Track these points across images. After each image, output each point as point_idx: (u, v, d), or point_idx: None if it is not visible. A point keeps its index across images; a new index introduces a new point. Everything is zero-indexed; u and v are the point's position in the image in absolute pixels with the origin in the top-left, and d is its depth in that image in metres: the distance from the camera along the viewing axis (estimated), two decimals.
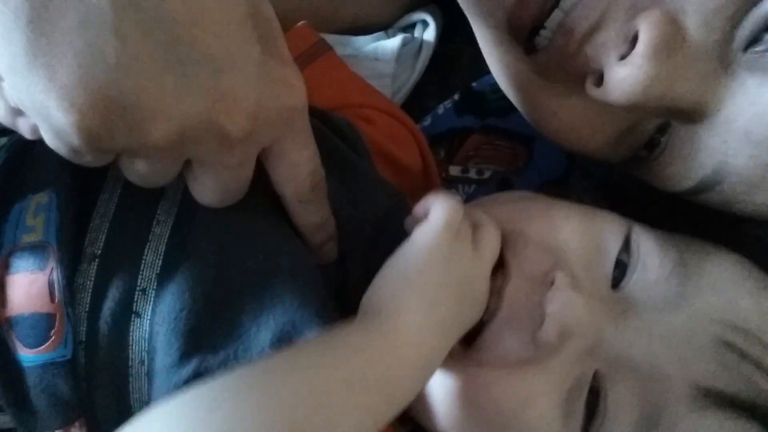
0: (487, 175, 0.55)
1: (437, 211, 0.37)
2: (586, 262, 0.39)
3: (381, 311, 0.33)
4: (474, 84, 0.56)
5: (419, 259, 0.35)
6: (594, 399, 0.37)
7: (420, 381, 0.34)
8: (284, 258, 0.36)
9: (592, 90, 0.39)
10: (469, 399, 0.37)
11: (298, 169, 0.35)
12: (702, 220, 0.45)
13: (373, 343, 0.32)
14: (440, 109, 0.56)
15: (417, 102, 0.57)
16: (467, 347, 0.38)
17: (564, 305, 0.36)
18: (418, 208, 0.38)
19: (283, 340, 0.34)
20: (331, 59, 0.50)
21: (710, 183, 0.40)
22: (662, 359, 0.36)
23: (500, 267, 0.39)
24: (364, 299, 0.35)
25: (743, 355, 0.36)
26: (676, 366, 0.36)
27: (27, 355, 0.34)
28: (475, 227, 0.39)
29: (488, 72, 0.56)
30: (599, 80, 0.38)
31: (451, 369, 0.37)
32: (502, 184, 0.55)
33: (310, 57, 0.49)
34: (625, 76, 0.36)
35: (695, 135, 0.39)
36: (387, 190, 0.43)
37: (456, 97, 0.56)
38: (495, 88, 0.55)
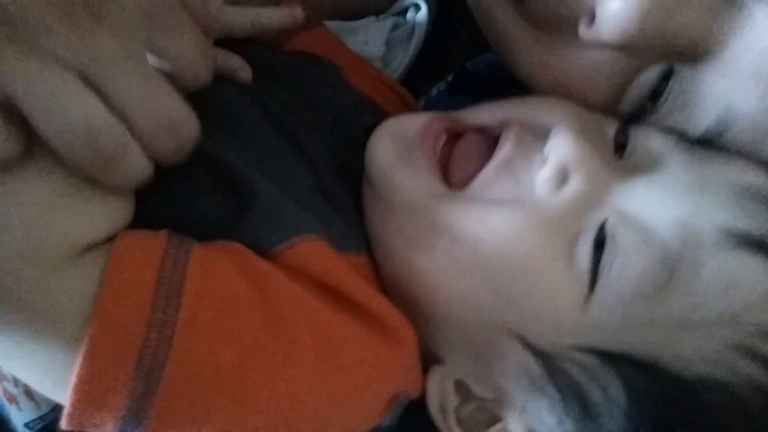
0: None
1: None
2: (587, 131, 0.36)
3: None
4: (468, 64, 0.54)
5: None
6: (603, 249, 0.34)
7: None
8: None
9: (584, 31, 0.36)
10: (454, 236, 0.34)
11: None
12: None
13: None
14: (434, 92, 0.55)
15: (412, 86, 0.55)
16: (458, 190, 0.37)
17: (564, 143, 0.35)
18: None
19: None
20: (325, 32, 0.51)
21: (716, 132, 0.36)
22: (680, 209, 0.33)
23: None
24: None
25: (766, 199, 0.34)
26: (695, 213, 0.33)
27: None
28: None
29: (484, 53, 0.53)
30: (591, 20, 0.35)
31: (434, 206, 0.36)
32: None
33: (305, 26, 0.48)
34: (618, 9, 0.33)
35: (699, 79, 0.36)
36: (351, 94, 0.42)
37: (450, 78, 0.55)
38: (490, 67, 0.52)
